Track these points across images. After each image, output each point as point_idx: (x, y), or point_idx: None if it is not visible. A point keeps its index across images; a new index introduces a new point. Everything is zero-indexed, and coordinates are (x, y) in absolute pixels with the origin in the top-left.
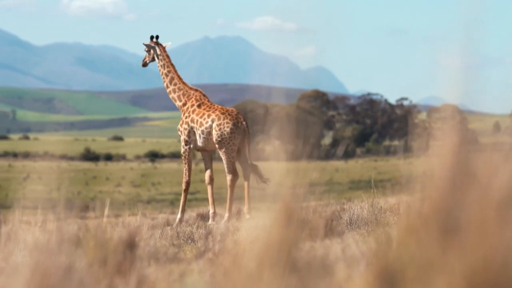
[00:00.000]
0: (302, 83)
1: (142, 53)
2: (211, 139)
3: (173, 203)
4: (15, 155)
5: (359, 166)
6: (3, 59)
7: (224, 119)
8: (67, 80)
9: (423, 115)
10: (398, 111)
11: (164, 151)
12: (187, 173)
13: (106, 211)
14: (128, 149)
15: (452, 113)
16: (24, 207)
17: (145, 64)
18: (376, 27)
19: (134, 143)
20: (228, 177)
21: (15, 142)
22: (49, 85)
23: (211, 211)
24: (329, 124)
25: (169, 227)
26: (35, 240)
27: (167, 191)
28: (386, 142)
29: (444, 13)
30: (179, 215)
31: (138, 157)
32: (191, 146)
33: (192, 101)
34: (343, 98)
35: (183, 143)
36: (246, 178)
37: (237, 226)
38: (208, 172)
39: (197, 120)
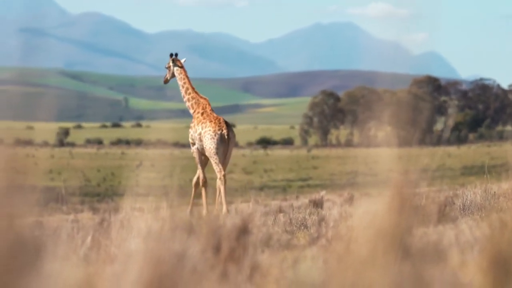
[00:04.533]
0: (414, 69)
1: (254, 40)
2: (202, 144)
3: (286, 190)
4: (127, 142)
5: (472, 152)
6: (116, 47)
7: (208, 127)
8: None
9: None
10: (511, 96)
11: (276, 137)
12: (200, 172)
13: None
14: (240, 136)
15: None
16: (137, 195)
17: (166, 81)
18: (488, 11)
19: (246, 130)
20: (218, 175)
21: (127, 130)
22: (161, 73)
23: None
24: (441, 110)
25: (282, 214)
26: (148, 228)
27: (279, 178)
28: (499, 127)
29: None
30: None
31: (250, 144)
32: (196, 147)
33: (199, 109)
34: (455, 84)
35: (190, 146)
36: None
37: (349, 212)
38: (195, 179)
39: (195, 127)
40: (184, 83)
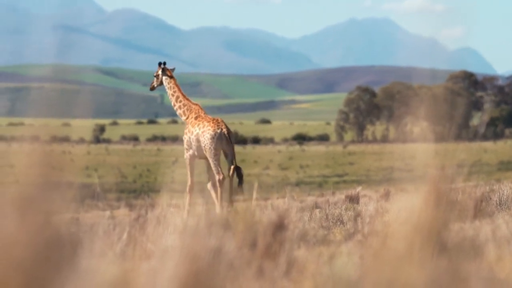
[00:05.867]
0: (450, 64)
1: (289, 36)
2: (200, 146)
3: (322, 185)
4: (163, 139)
5: (508, 147)
6: (151, 44)
7: (207, 127)
8: (214, 64)
9: None
10: None
11: (312, 133)
12: (189, 178)
13: (255, 194)
14: (275, 132)
15: None
16: (173, 191)
17: (153, 88)
18: None
19: (282, 126)
20: (217, 177)
21: (163, 126)
22: (196, 69)
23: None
24: (477, 105)
25: (318, 210)
26: (184, 224)
27: (315, 174)
28: None
29: None
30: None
31: (285, 140)
32: (191, 153)
33: (192, 114)
34: (491, 79)
35: (184, 151)
36: (228, 177)
37: (386, 208)
38: (209, 184)
39: (191, 130)
40: (174, 91)
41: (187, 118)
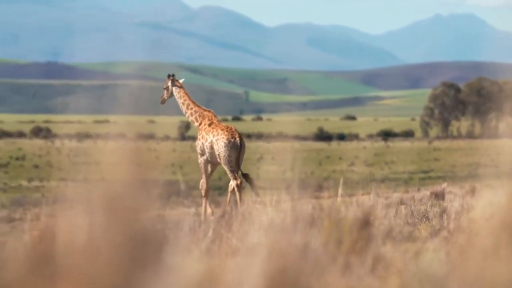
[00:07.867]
0: None
1: (373, 32)
2: (214, 152)
3: (407, 182)
4: (248, 136)
5: None
6: (236, 41)
7: (221, 135)
8: (299, 60)
9: None
10: None
11: (397, 129)
12: (205, 183)
13: (340, 191)
14: (360, 128)
15: None
16: (259, 188)
17: (163, 101)
18: None
19: (367, 122)
20: (233, 183)
21: (248, 123)
22: (280, 66)
23: (209, 211)
24: None
25: (403, 206)
26: (270, 220)
27: (400, 170)
28: None
29: None
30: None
31: (370, 136)
32: (205, 158)
33: (205, 121)
34: None
35: (198, 156)
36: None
37: (471, 204)
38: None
39: (204, 137)
40: (185, 100)
41: (199, 124)
